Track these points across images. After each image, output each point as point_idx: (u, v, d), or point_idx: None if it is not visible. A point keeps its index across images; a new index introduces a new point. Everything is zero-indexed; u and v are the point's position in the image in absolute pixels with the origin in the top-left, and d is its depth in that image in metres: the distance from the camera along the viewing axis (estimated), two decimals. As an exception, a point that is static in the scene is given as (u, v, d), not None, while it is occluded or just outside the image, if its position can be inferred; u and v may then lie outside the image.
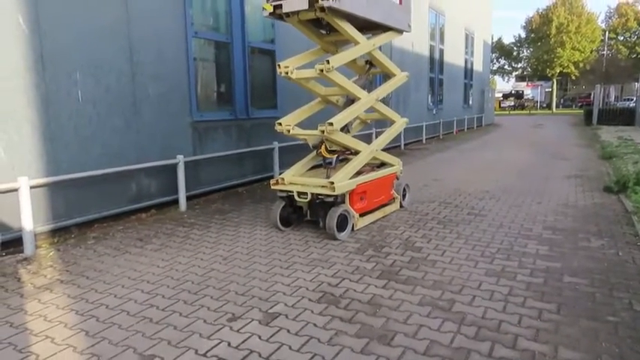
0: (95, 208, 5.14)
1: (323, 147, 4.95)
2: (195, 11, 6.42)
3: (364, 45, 5.13)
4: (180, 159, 5.87)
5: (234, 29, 6.96)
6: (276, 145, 7.56)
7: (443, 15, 17.00)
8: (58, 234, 4.76)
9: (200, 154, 6.47)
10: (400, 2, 5.72)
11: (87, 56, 4.97)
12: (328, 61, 4.49)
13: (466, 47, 20.76)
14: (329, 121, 4.57)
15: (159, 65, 5.81)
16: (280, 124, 4.93)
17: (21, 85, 4.40)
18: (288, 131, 4.87)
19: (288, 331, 2.78)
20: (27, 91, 4.45)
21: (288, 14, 4.74)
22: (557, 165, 9.58)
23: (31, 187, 4.30)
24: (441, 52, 17.23)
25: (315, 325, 2.85)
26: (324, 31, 5.30)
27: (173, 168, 5.88)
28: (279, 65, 4.81)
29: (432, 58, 16.19)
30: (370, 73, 5.83)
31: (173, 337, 2.72)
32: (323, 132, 4.58)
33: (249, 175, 7.43)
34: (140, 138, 5.64)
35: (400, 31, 5.69)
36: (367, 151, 5.19)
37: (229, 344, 2.64)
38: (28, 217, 4.22)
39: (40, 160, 4.59)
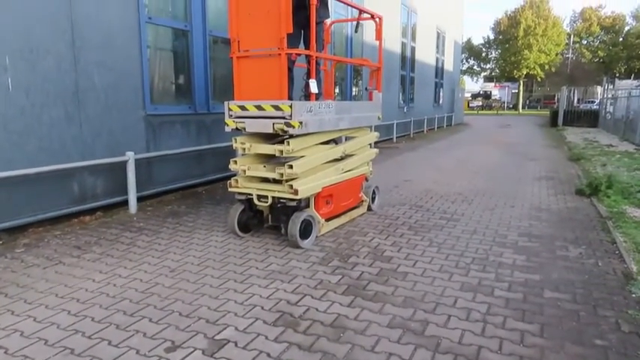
0: (29, 211, 4.56)
1: None
2: (150, -6, 5.87)
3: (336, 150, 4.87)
4: (131, 156, 5.33)
5: (194, 16, 6.43)
6: (239, 142, 7.06)
7: (415, 12, 16.80)
8: (-17, 241, 4.18)
9: (154, 150, 5.93)
10: (370, 98, 5.57)
11: (19, 38, 4.37)
12: (289, 143, 4.09)
13: (437, 46, 20.69)
14: (289, 163, 4.08)
15: (106, 52, 5.24)
16: (236, 162, 4.41)
17: None
18: (244, 171, 4.40)
19: (236, 363, 2.37)
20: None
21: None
22: (527, 166, 9.47)
23: (-54, 188, 3.72)
24: (413, 49, 17.04)
25: (268, 355, 2.44)
26: None
27: (123, 166, 5.34)
28: (235, 139, 4.43)
29: (403, 56, 15.96)
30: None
31: (95, 375, 2.27)
32: (282, 175, 4.10)
33: (210, 174, 6.92)
34: (84, 132, 5.07)
35: (369, 126, 5.58)
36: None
37: (163, 383, 2.21)
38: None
39: (-40, 156, 4.00)
